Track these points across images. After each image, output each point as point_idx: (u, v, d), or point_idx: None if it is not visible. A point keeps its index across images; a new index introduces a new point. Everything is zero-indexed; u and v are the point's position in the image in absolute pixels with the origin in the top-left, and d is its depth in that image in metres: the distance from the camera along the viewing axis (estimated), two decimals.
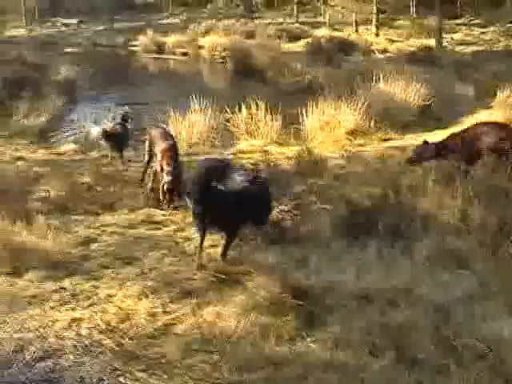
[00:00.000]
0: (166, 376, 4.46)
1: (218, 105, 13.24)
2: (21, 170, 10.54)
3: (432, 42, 29.20)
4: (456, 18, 37.73)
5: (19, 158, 11.57)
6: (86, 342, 4.94)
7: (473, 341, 4.61)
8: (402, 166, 9.33)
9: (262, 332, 4.91)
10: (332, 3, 38.61)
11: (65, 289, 5.93)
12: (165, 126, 11.42)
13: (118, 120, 11.39)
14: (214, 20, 41.38)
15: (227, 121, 13.31)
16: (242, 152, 11.86)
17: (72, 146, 12.74)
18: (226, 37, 33.16)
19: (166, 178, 8.39)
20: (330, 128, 12.63)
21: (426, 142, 8.98)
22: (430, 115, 14.41)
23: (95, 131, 11.65)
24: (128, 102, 18.20)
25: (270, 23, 40.65)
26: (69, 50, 36.60)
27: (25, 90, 17.65)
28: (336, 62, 24.21)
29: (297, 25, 39.73)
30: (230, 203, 6.27)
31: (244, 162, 10.53)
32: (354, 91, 14.43)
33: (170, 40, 35.23)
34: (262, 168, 9.81)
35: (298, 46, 32.45)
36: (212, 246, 6.70)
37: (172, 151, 8.77)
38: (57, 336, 5.04)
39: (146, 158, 9.49)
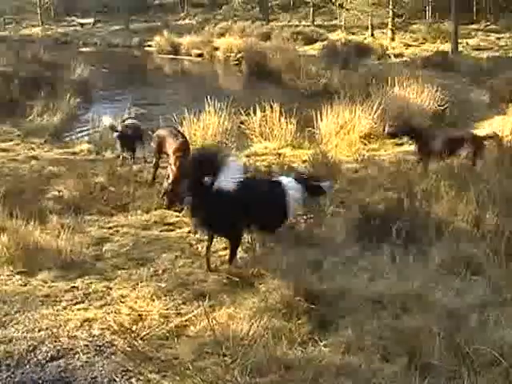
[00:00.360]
0: (177, 378, 4.44)
1: (233, 107, 13.25)
2: (35, 170, 10.60)
3: (447, 47, 29.15)
4: (472, 24, 37.67)
5: (33, 158, 11.67)
6: (98, 343, 4.93)
7: (485, 347, 4.58)
8: (415, 170, 9.35)
9: (274, 335, 4.88)
10: (348, 6, 38.59)
11: (77, 288, 5.94)
12: (175, 125, 11.42)
13: (130, 121, 11.41)
14: (229, 22, 41.54)
15: (241, 123, 13.33)
16: (256, 154, 11.89)
17: (86, 146, 12.82)
18: (241, 38, 33.26)
19: (169, 180, 8.44)
20: (345, 132, 12.63)
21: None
22: (445, 120, 14.40)
23: (107, 121, 11.60)
24: (143, 103, 18.31)
25: (285, 26, 40.70)
26: (84, 49, 36.82)
27: (40, 90, 17.76)
28: (351, 66, 24.21)
29: (312, 28, 39.85)
30: (222, 203, 6.12)
31: (258, 164, 10.55)
32: (369, 95, 14.42)
33: (186, 41, 35.43)
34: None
35: (314, 48, 32.52)
36: (225, 248, 6.67)
37: (181, 150, 8.74)
38: (69, 336, 5.04)
39: (154, 159, 9.56)
